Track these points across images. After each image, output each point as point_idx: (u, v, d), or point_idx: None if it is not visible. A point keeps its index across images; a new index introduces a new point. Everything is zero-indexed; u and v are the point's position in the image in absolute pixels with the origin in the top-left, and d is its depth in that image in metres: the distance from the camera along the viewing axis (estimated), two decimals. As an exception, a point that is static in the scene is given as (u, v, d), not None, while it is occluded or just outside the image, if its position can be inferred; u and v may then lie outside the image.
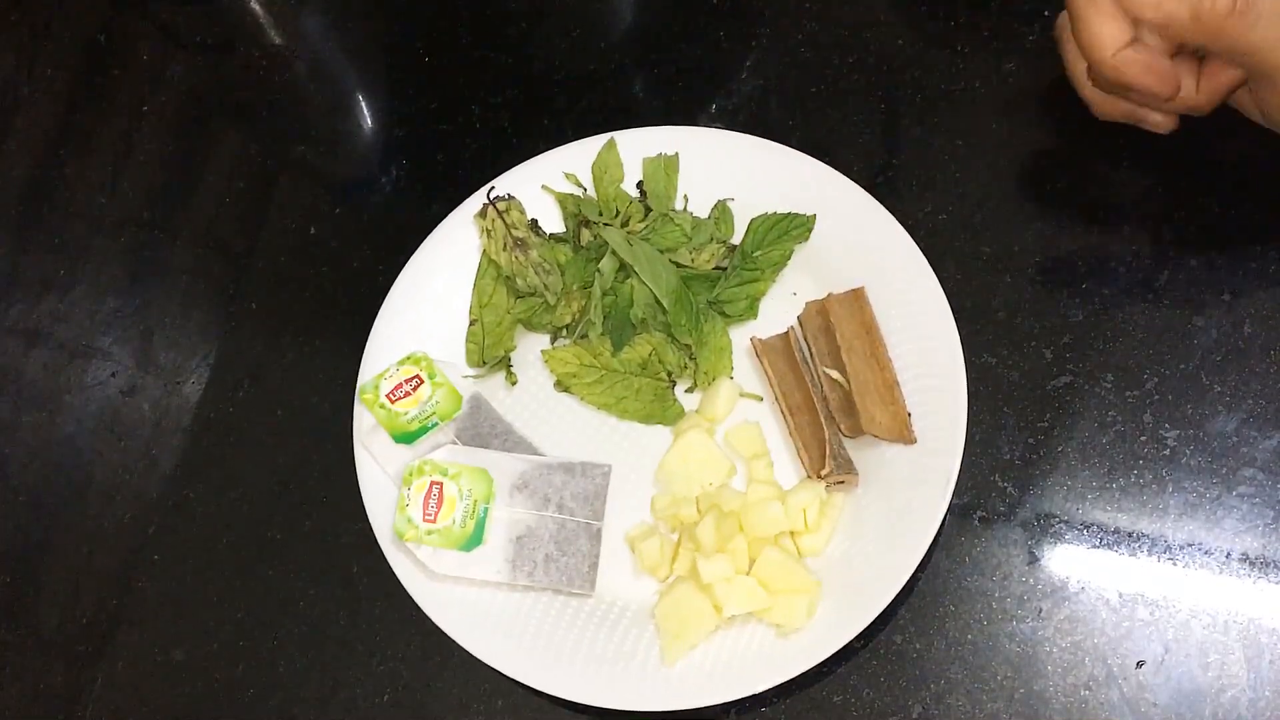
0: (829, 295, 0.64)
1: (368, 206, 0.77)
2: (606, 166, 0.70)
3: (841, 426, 0.62)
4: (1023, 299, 0.65)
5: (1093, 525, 0.60)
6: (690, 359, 0.67)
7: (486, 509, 0.62)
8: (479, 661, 0.59)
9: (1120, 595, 0.59)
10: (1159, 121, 0.63)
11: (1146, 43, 0.56)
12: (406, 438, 0.64)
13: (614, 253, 0.67)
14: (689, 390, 0.67)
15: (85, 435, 0.73)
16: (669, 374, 0.66)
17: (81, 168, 0.82)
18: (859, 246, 0.65)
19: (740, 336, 0.67)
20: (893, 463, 0.60)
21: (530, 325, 0.69)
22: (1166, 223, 0.66)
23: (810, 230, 0.67)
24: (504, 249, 0.69)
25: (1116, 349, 0.63)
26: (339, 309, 0.73)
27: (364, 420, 0.65)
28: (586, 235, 0.69)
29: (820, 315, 0.64)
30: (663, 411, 0.66)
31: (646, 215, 0.69)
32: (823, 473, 0.60)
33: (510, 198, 0.70)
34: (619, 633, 0.60)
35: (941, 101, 0.72)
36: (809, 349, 0.65)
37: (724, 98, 0.75)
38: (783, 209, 0.67)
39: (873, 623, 0.56)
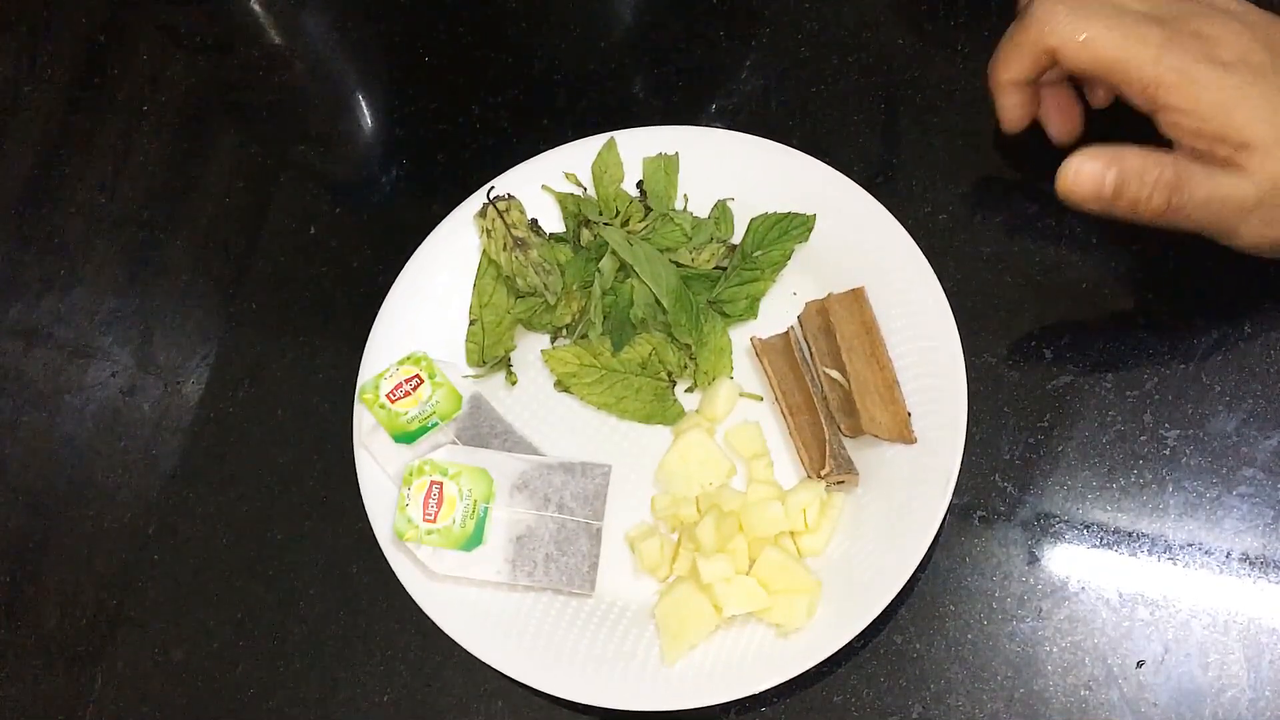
0: (829, 295, 0.64)
1: (368, 206, 0.77)
2: (606, 166, 0.70)
3: (841, 426, 0.62)
4: (1023, 299, 0.65)
5: (1093, 525, 0.60)
6: (690, 359, 0.67)
7: (486, 509, 0.62)
8: (479, 661, 0.59)
9: (1120, 595, 0.59)
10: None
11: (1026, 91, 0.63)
12: (406, 438, 0.64)
13: (614, 253, 0.67)
14: (689, 390, 0.67)
15: (85, 435, 0.73)
16: (669, 374, 0.66)
17: (81, 168, 0.82)
18: (859, 246, 0.65)
19: (740, 336, 0.67)
20: (893, 463, 0.60)
21: (530, 325, 0.69)
22: (1166, 223, 0.66)
23: (810, 230, 0.67)
24: (504, 249, 0.69)
25: (1116, 349, 0.63)
26: (339, 309, 0.73)
27: (364, 420, 0.65)
28: (586, 235, 0.69)
29: (820, 315, 0.64)
30: (663, 411, 0.66)
31: (646, 215, 0.69)
32: (823, 473, 0.60)
33: (510, 198, 0.70)
34: (619, 633, 0.60)
35: (941, 101, 0.72)
36: (809, 349, 0.65)
37: (724, 98, 0.75)
38: (783, 209, 0.67)
39: (873, 623, 0.56)
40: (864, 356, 0.62)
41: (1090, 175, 0.57)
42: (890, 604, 0.56)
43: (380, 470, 0.64)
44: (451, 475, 0.62)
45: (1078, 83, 0.66)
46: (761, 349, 0.65)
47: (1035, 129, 0.70)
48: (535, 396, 0.68)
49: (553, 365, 0.67)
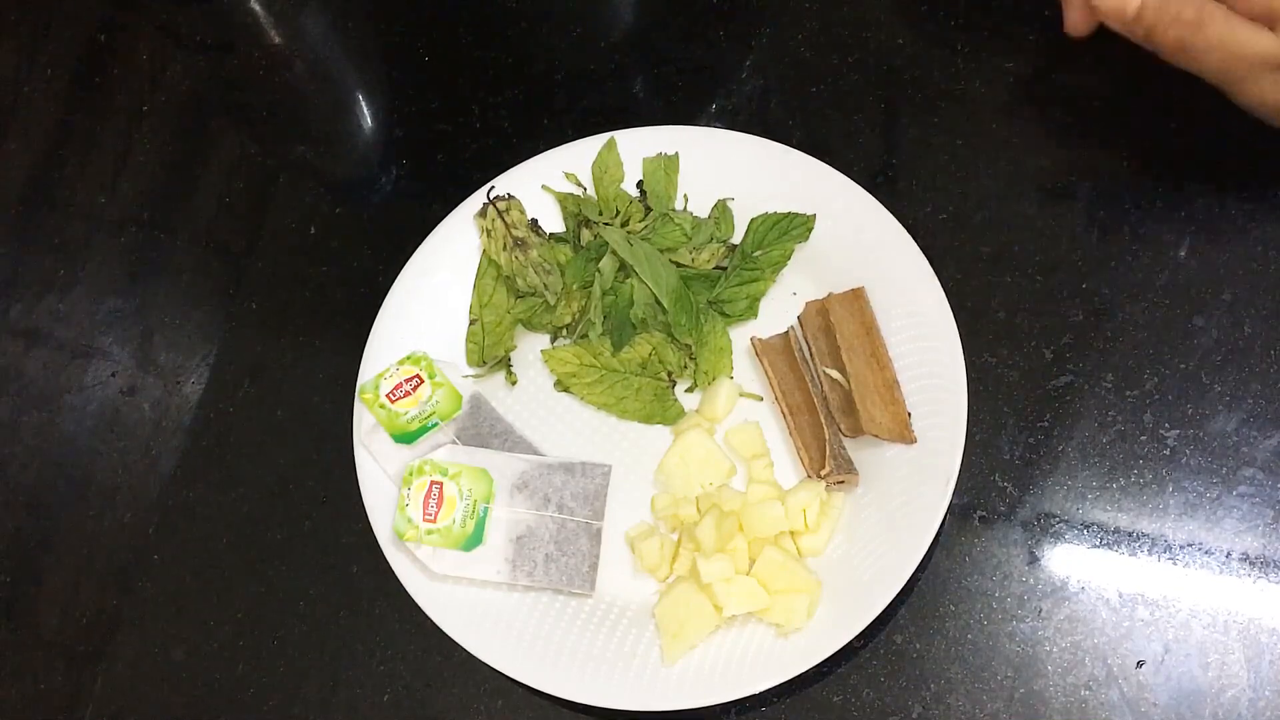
0: (829, 295, 0.64)
1: (368, 206, 0.77)
2: (606, 166, 0.70)
3: (841, 426, 0.62)
4: (1023, 299, 0.65)
5: (1093, 525, 0.60)
6: (690, 359, 0.67)
7: (486, 509, 0.62)
8: (479, 661, 0.59)
9: (1120, 595, 0.59)
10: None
11: None
12: (406, 438, 0.64)
13: (614, 253, 0.67)
14: (689, 390, 0.67)
15: (85, 435, 0.73)
16: (669, 374, 0.66)
17: (81, 168, 0.82)
18: (859, 246, 0.65)
19: (740, 336, 0.67)
20: (893, 463, 0.60)
21: (530, 325, 0.69)
22: (1167, 222, 0.66)
23: (810, 230, 0.67)
24: (504, 249, 0.69)
25: (1116, 349, 0.63)
26: (339, 309, 0.73)
27: (364, 420, 0.65)
28: (586, 235, 0.69)
29: (820, 315, 0.64)
30: (663, 411, 0.66)
31: (646, 215, 0.69)
32: (823, 473, 0.60)
33: (510, 197, 0.70)
34: (619, 633, 0.60)
35: (941, 101, 0.72)
36: (809, 349, 0.65)
37: (724, 98, 0.75)
38: (783, 209, 0.67)
39: (873, 623, 0.56)
40: (864, 356, 0.62)
41: None
42: (890, 604, 0.56)
43: (380, 470, 0.64)
44: (451, 475, 0.62)
45: None
46: (761, 349, 0.65)
47: (1030, 128, 0.70)
48: (535, 396, 0.68)
49: (553, 365, 0.67)
